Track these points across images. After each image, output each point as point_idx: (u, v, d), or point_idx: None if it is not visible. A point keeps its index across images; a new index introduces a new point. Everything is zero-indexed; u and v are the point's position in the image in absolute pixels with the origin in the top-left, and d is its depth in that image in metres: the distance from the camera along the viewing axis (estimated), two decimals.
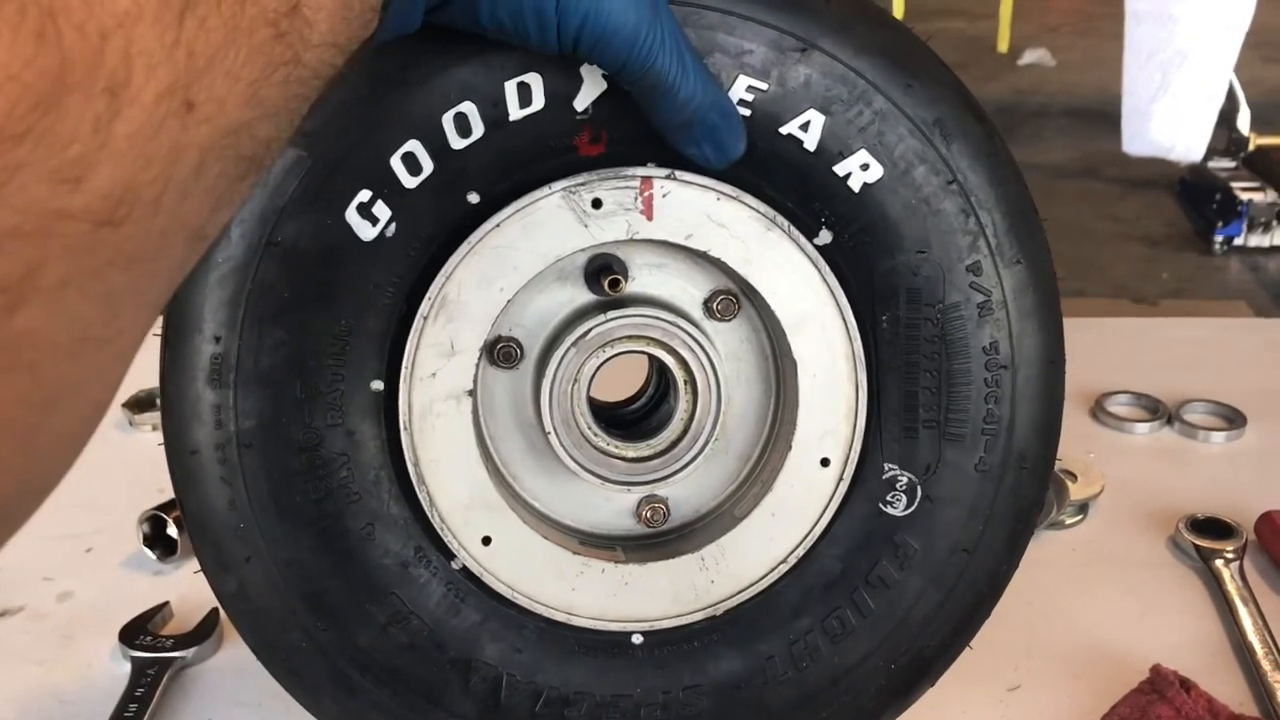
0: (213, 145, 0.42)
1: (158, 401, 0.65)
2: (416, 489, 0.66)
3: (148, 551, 0.99)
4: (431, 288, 0.64)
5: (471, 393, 0.66)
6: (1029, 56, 6.28)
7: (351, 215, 0.63)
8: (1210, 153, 3.56)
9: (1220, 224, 4.10)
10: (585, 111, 0.63)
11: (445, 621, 0.67)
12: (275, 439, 0.64)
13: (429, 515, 0.66)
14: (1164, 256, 4.13)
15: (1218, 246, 4.12)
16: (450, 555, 0.67)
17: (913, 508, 0.70)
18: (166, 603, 0.94)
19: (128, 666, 0.87)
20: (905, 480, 0.70)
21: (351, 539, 0.66)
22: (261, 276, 0.62)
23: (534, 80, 0.62)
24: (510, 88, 0.62)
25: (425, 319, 0.64)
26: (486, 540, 0.67)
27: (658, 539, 0.73)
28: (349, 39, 0.49)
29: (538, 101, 0.63)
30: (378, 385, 0.65)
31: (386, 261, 0.63)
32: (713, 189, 0.65)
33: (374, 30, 0.51)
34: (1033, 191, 0.69)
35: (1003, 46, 5.96)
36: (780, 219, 0.66)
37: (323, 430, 0.64)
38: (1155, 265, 4.05)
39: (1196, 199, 4.33)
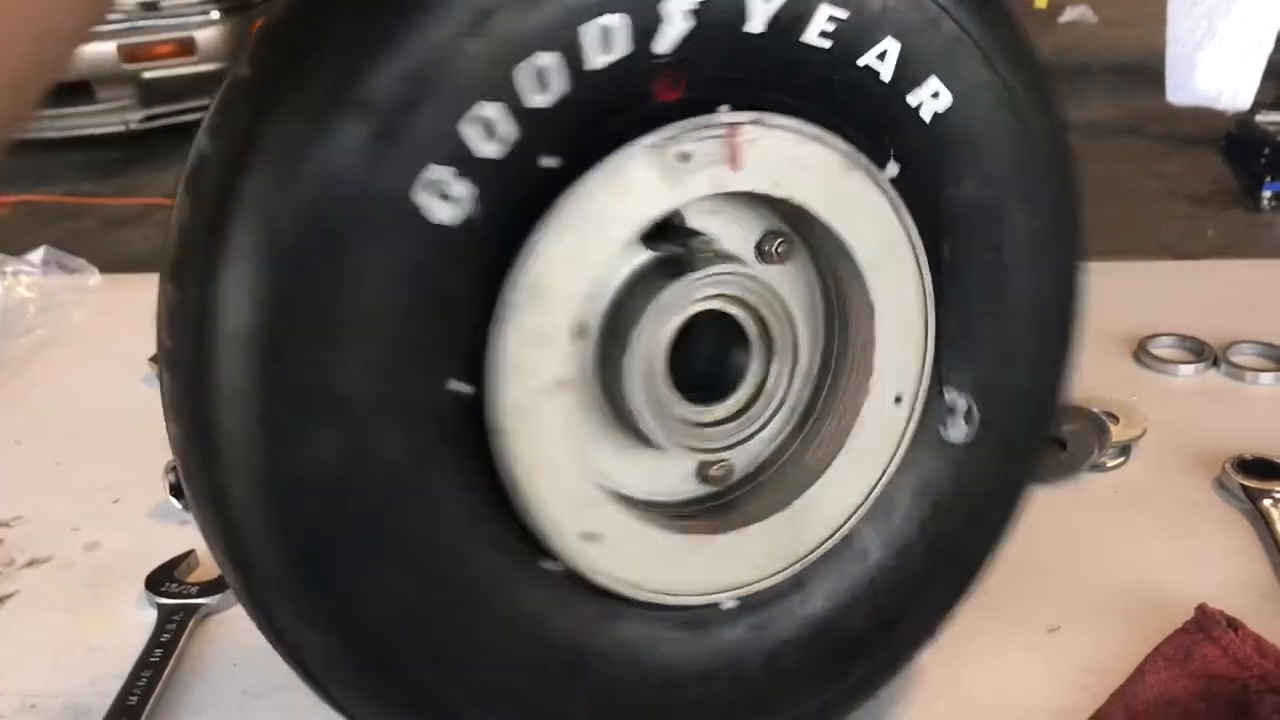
0: None
1: None
2: (510, 493, 0.59)
3: (174, 501, 0.97)
4: (517, 270, 0.56)
5: (566, 382, 0.59)
6: (1070, 14, 6.03)
7: (419, 194, 0.53)
8: (1258, 106, 3.34)
9: (1269, 179, 3.84)
10: (665, 55, 0.56)
11: (548, 623, 0.62)
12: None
13: (525, 518, 0.60)
14: (1209, 214, 3.84)
15: (1266, 202, 3.86)
16: (550, 556, 0.61)
17: (972, 432, 0.71)
18: (191, 551, 0.92)
19: (154, 614, 0.86)
20: (965, 405, 0.71)
21: (442, 550, 0.58)
22: None
23: (615, 22, 0.54)
24: (589, 31, 0.54)
25: (513, 306, 0.56)
26: (587, 535, 0.61)
27: (730, 498, 0.70)
28: None
29: (620, 48, 0.55)
30: (463, 386, 0.56)
31: (464, 244, 0.54)
32: (798, 130, 0.60)
33: None
34: (1075, 150, 0.69)
35: (1041, 3, 5.63)
36: (861, 157, 0.63)
37: (403, 438, 0.56)
38: (1200, 223, 3.77)
39: (1244, 154, 4.02)
